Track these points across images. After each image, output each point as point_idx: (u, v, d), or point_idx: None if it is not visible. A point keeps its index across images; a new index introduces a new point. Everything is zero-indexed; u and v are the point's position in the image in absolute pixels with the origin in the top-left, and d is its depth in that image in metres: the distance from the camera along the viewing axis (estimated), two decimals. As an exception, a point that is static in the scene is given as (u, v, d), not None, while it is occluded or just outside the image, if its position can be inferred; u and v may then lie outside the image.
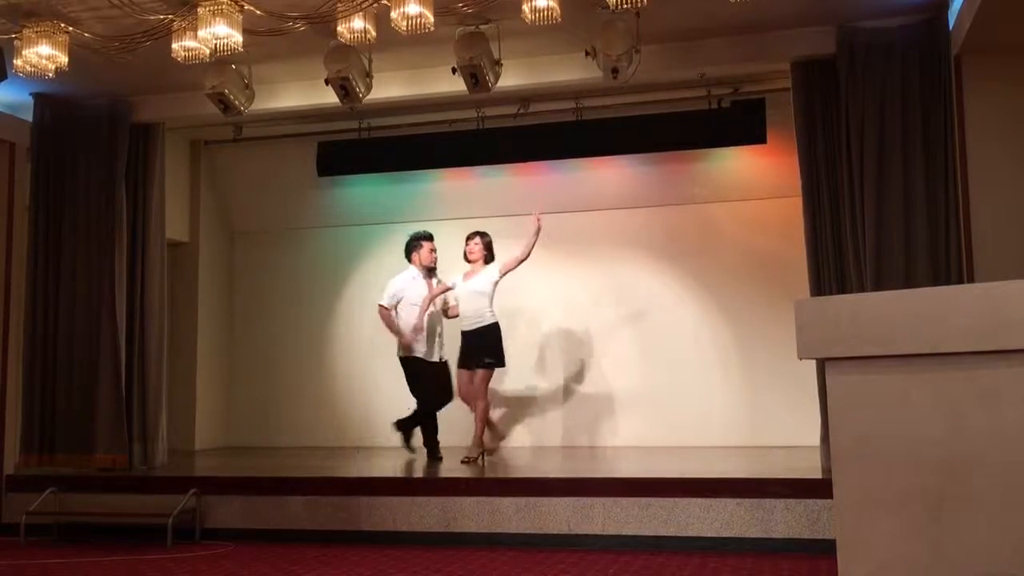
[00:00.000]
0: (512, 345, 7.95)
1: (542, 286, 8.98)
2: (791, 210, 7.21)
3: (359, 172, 9.53)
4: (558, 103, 8.55)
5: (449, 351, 7.82)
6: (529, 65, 7.15)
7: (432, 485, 6.54)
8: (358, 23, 6.00)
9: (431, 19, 5.70)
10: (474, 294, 7.48)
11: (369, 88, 6.91)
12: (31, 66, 6.10)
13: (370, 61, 6.87)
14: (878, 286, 6.13)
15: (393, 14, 5.68)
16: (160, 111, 7.89)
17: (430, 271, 7.84)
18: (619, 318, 9.08)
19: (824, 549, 5.30)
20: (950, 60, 6.29)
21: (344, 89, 6.73)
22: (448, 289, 7.70)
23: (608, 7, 5.64)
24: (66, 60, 6.12)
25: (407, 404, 7.88)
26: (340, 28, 6.04)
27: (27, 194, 7.81)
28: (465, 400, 7.63)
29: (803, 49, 6.72)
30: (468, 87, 6.67)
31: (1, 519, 7.27)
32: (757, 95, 8.23)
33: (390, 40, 6.19)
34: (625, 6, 5.59)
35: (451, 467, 7.33)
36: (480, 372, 7.42)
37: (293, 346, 9.85)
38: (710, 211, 8.93)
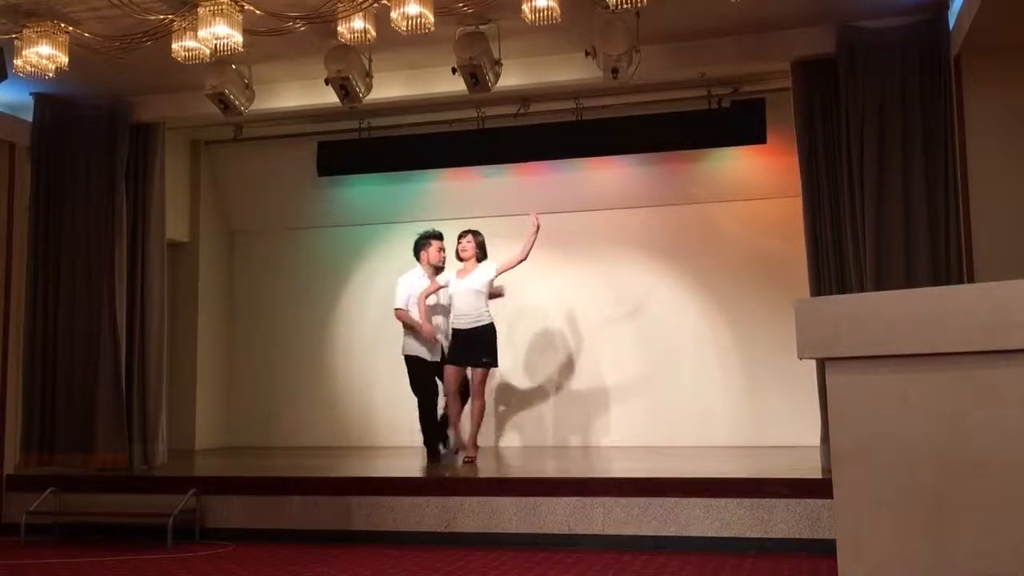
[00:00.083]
0: (512, 345, 7.94)
1: (542, 286, 8.98)
2: (791, 210, 7.20)
3: (359, 172, 9.54)
4: (558, 103, 8.55)
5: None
6: (529, 65, 7.14)
7: (432, 485, 6.54)
8: (358, 23, 6.00)
9: (431, 19, 5.71)
10: (471, 292, 7.45)
11: (369, 88, 6.91)
12: (31, 66, 6.10)
13: (370, 61, 6.87)
14: (878, 286, 6.12)
15: (393, 14, 5.68)
16: (160, 111, 7.88)
17: (437, 270, 7.80)
18: (619, 318, 9.08)
19: (824, 549, 5.30)
20: (950, 60, 6.28)
21: (344, 89, 6.73)
22: (441, 287, 7.67)
23: (608, 7, 5.65)
24: (66, 60, 6.12)
25: (407, 404, 7.88)
26: (340, 28, 6.05)
27: (27, 194, 7.80)
28: (446, 395, 7.60)
29: (803, 49, 6.72)
30: (468, 87, 6.67)
31: (1, 519, 7.29)
32: (757, 95, 8.24)
33: (390, 40, 6.19)
34: (625, 6, 5.60)
35: (451, 467, 7.33)
36: (478, 372, 7.40)
37: (293, 346, 9.85)
38: (710, 211, 8.93)
